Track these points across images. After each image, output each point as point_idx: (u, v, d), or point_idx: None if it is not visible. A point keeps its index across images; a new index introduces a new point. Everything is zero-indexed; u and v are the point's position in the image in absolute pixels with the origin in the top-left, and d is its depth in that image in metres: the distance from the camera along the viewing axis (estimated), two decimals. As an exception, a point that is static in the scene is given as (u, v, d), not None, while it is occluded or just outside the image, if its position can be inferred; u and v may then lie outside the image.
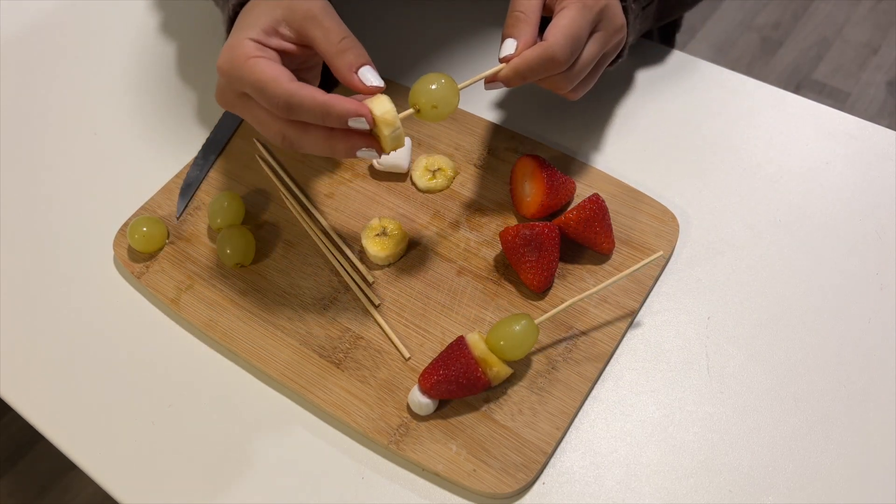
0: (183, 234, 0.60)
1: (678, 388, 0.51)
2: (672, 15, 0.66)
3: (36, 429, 0.53)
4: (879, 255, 0.56)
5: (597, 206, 0.54)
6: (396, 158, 0.61)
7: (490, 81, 0.51)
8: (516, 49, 0.50)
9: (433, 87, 0.48)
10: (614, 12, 0.52)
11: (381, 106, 0.46)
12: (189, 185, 0.63)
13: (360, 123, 0.46)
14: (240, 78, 0.47)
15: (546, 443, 0.48)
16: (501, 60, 0.50)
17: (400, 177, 0.62)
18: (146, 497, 0.49)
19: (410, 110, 0.48)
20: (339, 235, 0.59)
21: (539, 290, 0.54)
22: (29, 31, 0.78)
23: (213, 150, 0.65)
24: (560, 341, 0.53)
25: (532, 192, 0.57)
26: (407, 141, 0.61)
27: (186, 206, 0.62)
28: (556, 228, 0.54)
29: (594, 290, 0.52)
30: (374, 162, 0.61)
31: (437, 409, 0.50)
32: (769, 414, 0.50)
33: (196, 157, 0.65)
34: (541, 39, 0.50)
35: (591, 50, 0.51)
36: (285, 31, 0.48)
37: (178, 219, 0.61)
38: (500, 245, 0.57)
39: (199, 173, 0.64)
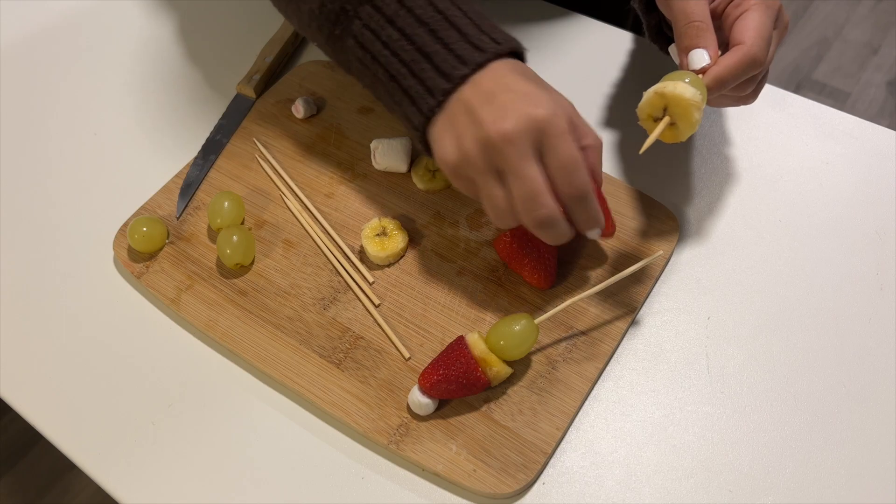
0: (183, 234, 0.60)
1: (678, 388, 0.51)
2: None
3: (36, 429, 0.53)
4: (879, 255, 0.56)
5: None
6: (396, 158, 0.61)
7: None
8: (710, 58, 0.49)
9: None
10: (783, 10, 0.52)
11: (686, 89, 0.47)
12: (189, 185, 0.63)
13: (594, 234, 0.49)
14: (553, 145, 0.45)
15: (546, 443, 0.48)
16: (697, 72, 0.50)
17: (400, 177, 0.62)
18: (146, 497, 0.49)
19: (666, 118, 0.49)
20: (339, 235, 0.59)
21: (545, 288, 0.54)
22: (30, 32, 0.78)
23: (213, 150, 0.65)
24: (560, 341, 0.53)
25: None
26: (406, 140, 0.61)
27: (186, 206, 0.62)
28: None
29: (594, 289, 0.52)
30: (374, 162, 0.61)
31: (437, 409, 0.50)
32: (769, 414, 0.50)
33: (196, 157, 0.65)
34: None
35: (772, 49, 0.51)
36: None
37: (178, 219, 0.61)
38: (500, 245, 0.57)
39: (199, 173, 0.64)
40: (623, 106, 0.66)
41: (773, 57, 0.52)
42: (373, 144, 0.61)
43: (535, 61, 0.51)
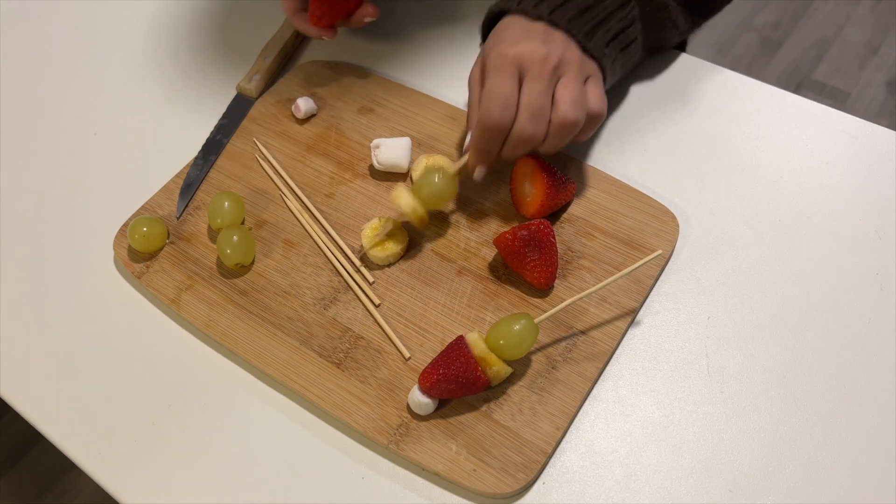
0: (183, 234, 0.60)
1: (678, 388, 0.51)
2: (666, 43, 0.66)
3: (36, 429, 0.53)
4: (879, 255, 0.56)
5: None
6: (396, 158, 0.61)
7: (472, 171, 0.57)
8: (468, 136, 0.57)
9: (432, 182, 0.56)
10: (530, 54, 0.54)
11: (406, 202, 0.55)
12: (189, 185, 0.63)
13: None
14: None
15: (546, 443, 0.48)
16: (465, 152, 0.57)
17: (400, 177, 0.62)
18: (146, 497, 0.49)
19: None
20: (339, 235, 0.59)
21: (546, 287, 0.54)
22: (30, 31, 0.78)
23: (213, 150, 0.65)
24: (560, 341, 0.53)
25: (532, 193, 0.56)
26: (406, 140, 0.61)
27: (186, 206, 0.62)
28: (550, 224, 0.53)
29: (594, 288, 0.52)
30: (374, 161, 0.61)
31: (437, 408, 0.50)
32: (769, 414, 0.50)
33: (196, 157, 0.65)
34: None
35: (528, 89, 0.53)
36: None
37: (178, 219, 0.61)
38: (500, 245, 0.57)
39: (199, 173, 0.64)
40: (623, 106, 0.66)
41: (539, 94, 0.54)
42: (373, 144, 0.61)
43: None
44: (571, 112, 0.53)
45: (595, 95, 0.55)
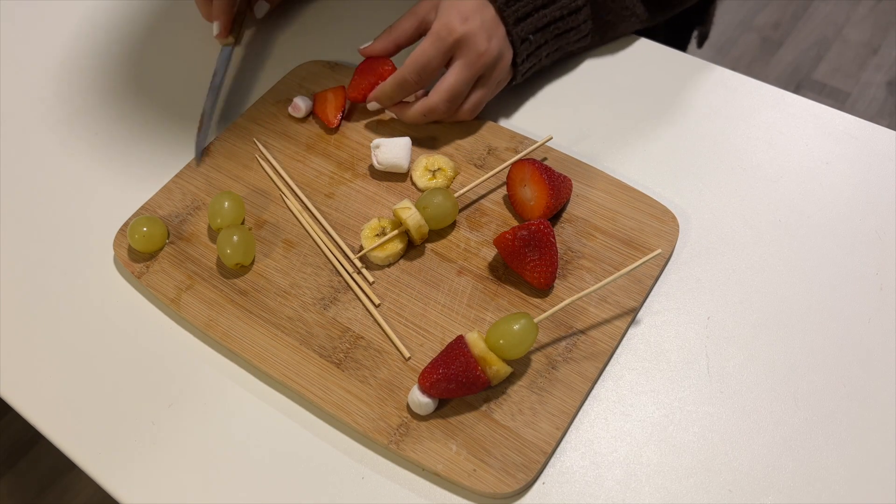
0: (183, 233, 0.60)
1: (678, 388, 0.51)
2: (625, 31, 0.68)
3: (36, 429, 0.53)
4: (879, 255, 0.56)
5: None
6: (396, 158, 0.61)
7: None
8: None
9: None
10: (473, 41, 0.59)
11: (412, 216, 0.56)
12: (204, 124, 0.67)
13: None
14: None
15: (546, 443, 0.48)
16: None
17: (400, 177, 0.62)
18: (146, 497, 0.49)
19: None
20: (340, 235, 0.59)
21: (545, 287, 0.54)
22: (29, 31, 0.78)
23: (216, 82, 0.69)
24: (560, 340, 0.53)
25: (535, 196, 0.56)
26: (406, 140, 0.61)
27: (205, 150, 0.65)
28: (550, 224, 0.53)
29: (593, 288, 0.52)
30: (374, 161, 0.61)
31: (437, 408, 0.50)
32: (769, 414, 0.50)
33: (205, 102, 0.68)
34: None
35: (457, 74, 0.60)
36: None
37: (197, 164, 0.64)
38: (500, 245, 0.57)
39: (210, 107, 0.68)
40: (623, 106, 0.66)
41: (464, 79, 0.60)
42: (373, 144, 0.61)
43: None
44: (467, 115, 0.63)
45: (474, 99, 0.62)
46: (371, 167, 0.63)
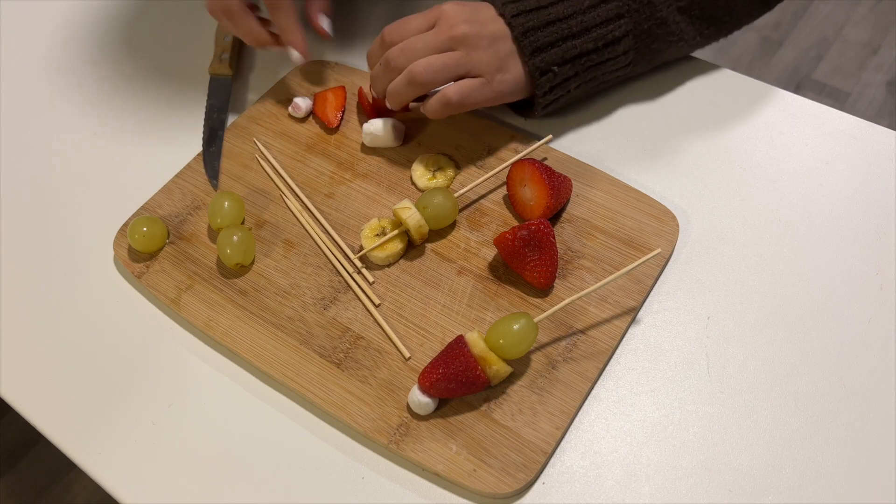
0: (183, 233, 0.60)
1: (678, 388, 0.51)
2: (674, 56, 0.65)
3: (36, 429, 0.53)
4: (879, 255, 0.56)
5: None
6: (384, 132, 0.62)
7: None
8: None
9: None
10: (472, 43, 0.57)
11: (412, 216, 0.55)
12: (211, 155, 0.65)
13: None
14: None
15: (546, 442, 0.48)
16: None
17: (400, 177, 0.62)
18: (146, 497, 0.49)
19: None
20: (340, 235, 0.59)
21: (545, 287, 0.54)
22: (29, 31, 0.78)
23: (217, 128, 0.67)
24: (560, 340, 0.53)
25: (535, 196, 0.56)
26: (389, 122, 0.62)
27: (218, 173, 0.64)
28: (550, 224, 0.53)
29: (593, 287, 0.52)
30: (364, 140, 0.63)
31: (437, 408, 0.50)
32: (769, 414, 0.50)
33: (203, 145, 0.66)
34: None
35: (427, 38, 0.58)
36: None
37: (215, 188, 0.63)
38: (500, 245, 0.57)
39: (215, 149, 0.66)
40: (623, 105, 0.66)
41: (434, 42, 0.57)
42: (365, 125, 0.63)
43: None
44: (432, 108, 0.59)
45: (464, 88, 0.58)
46: (371, 167, 0.63)
